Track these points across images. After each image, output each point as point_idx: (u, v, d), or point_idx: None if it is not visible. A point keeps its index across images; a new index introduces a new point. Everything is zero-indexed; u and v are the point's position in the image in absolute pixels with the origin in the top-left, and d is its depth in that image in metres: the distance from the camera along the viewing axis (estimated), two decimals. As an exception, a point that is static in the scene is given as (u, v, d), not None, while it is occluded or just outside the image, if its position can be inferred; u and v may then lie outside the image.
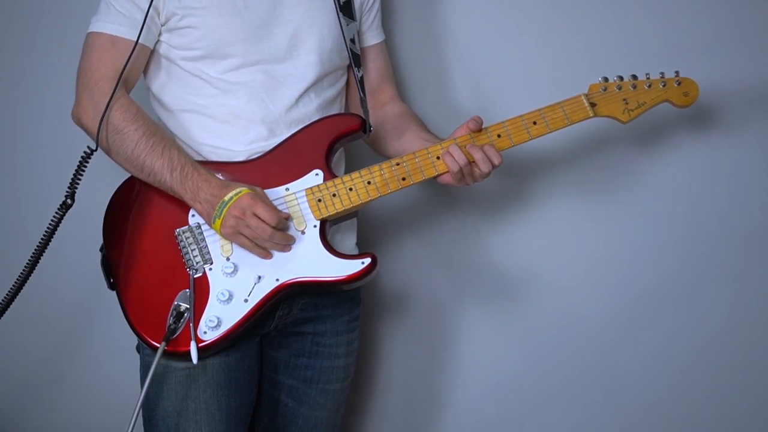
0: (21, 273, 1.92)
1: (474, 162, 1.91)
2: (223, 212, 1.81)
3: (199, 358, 1.85)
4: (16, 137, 2.48)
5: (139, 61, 1.91)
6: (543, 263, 2.35)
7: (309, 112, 1.95)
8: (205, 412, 1.89)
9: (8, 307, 1.93)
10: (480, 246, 2.38)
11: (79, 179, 1.87)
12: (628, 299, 2.34)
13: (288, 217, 1.86)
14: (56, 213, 1.88)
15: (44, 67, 2.44)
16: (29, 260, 1.91)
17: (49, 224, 1.89)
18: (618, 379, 2.37)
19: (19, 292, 1.93)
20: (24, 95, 2.46)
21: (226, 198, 1.81)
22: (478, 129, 1.93)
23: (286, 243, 1.86)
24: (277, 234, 1.83)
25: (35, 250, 1.90)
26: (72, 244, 2.30)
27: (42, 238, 1.89)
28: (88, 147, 1.85)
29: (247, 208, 1.80)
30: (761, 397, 2.32)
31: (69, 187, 1.87)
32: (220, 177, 1.87)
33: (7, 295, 1.92)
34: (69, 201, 1.88)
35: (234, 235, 1.83)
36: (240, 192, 1.81)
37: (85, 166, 1.87)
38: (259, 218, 1.81)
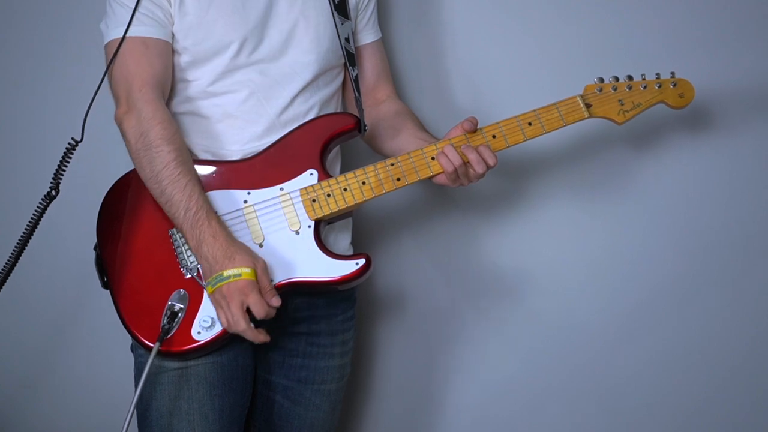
0: (6, 262, 1.91)
1: (469, 163, 1.90)
2: (216, 286, 1.78)
3: (194, 358, 1.86)
4: (16, 137, 2.49)
5: (170, 60, 1.89)
6: (540, 264, 2.35)
7: (304, 110, 1.95)
8: (198, 413, 1.89)
9: None
10: (476, 246, 2.38)
11: (64, 170, 1.87)
12: (626, 301, 2.34)
13: (279, 305, 1.82)
14: (40, 203, 1.88)
15: (44, 67, 2.45)
16: (14, 250, 1.91)
17: (33, 214, 1.88)
18: (616, 382, 2.37)
19: (4, 282, 1.92)
20: (24, 95, 2.47)
21: (225, 274, 1.77)
22: (473, 129, 1.93)
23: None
24: (249, 332, 1.79)
25: (19, 240, 1.90)
26: (65, 242, 2.31)
27: (26, 229, 1.89)
28: (73, 138, 1.85)
29: (238, 295, 1.77)
30: (761, 399, 2.32)
31: (53, 178, 1.87)
32: (224, 229, 1.83)
33: None
34: (53, 192, 1.87)
35: (217, 307, 1.81)
36: (239, 275, 1.77)
37: (70, 157, 1.87)
38: (245, 308, 1.78)
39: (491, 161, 1.90)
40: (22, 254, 1.92)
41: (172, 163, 1.82)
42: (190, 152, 1.93)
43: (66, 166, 1.88)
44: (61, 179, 1.88)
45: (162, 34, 1.86)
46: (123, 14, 1.86)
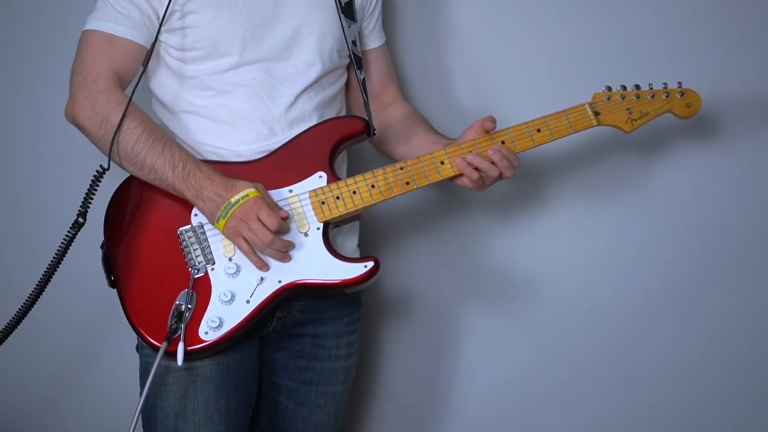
0: (31, 293, 1.87)
1: (484, 169, 1.91)
2: (229, 214, 1.81)
3: (200, 359, 1.86)
4: (16, 138, 2.47)
5: (135, 61, 1.90)
6: (547, 266, 2.37)
7: (308, 110, 1.95)
8: (203, 413, 1.88)
9: (17, 325, 1.90)
10: (483, 248, 2.39)
11: (92, 198, 1.85)
12: (632, 302, 2.36)
13: (286, 217, 1.86)
14: (68, 232, 1.85)
15: (44, 67, 2.43)
16: (40, 279, 1.86)
17: (61, 244, 1.85)
18: (622, 381, 2.39)
19: (29, 311, 1.88)
20: (24, 95, 2.45)
21: (233, 200, 1.81)
22: (493, 128, 1.94)
23: (285, 250, 1.85)
24: (277, 241, 1.83)
25: (46, 269, 1.85)
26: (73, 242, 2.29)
27: (53, 259, 1.85)
28: (101, 166, 1.83)
29: (251, 212, 1.80)
30: (761, 399, 2.35)
31: (81, 206, 1.85)
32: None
33: (17, 313, 1.88)
34: (81, 220, 1.85)
35: (235, 236, 1.83)
36: (247, 195, 1.81)
37: (98, 185, 1.85)
38: (262, 222, 1.81)
39: (515, 163, 1.93)
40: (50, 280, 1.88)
41: (143, 136, 1.83)
42: (197, 153, 1.93)
43: (94, 195, 1.85)
44: (89, 207, 1.85)
45: (131, 34, 1.86)
46: (103, 9, 1.88)
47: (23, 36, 2.44)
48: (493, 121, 1.94)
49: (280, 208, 1.85)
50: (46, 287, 1.87)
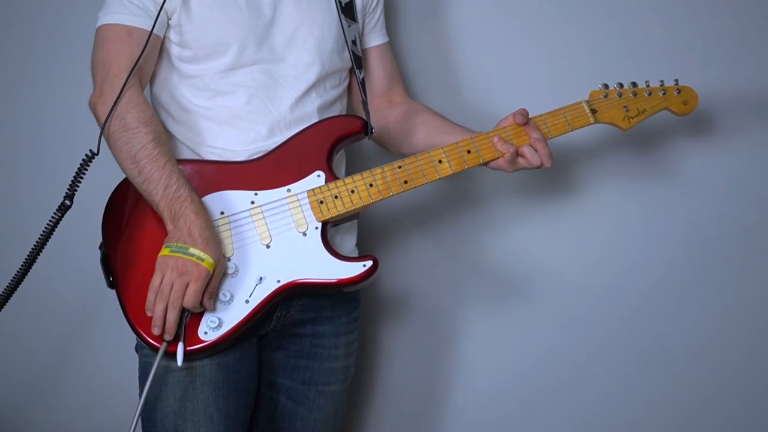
0: (16, 273, 1.89)
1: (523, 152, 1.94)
2: (176, 254, 1.76)
3: (199, 359, 1.86)
4: (16, 137, 2.48)
5: (153, 52, 1.90)
6: (546, 265, 2.37)
7: (309, 112, 1.95)
8: (203, 413, 1.88)
9: (1, 308, 1.91)
10: (482, 247, 2.40)
11: (80, 182, 1.85)
12: (632, 301, 2.37)
13: (210, 308, 1.81)
14: (54, 214, 1.85)
15: (44, 67, 2.45)
16: (25, 260, 1.88)
17: (47, 225, 1.86)
18: (622, 381, 2.40)
19: (14, 292, 1.90)
20: (24, 95, 2.46)
21: (190, 251, 1.76)
22: (525, 122, 1.95)
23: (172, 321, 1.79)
24: (173, 315, 1.77)
25: (32, 250, 1.87)
26: (71, 243, 2.29)
27: (39, 239, 1.87)
28: (90, 150, 1.83)
29: (188, 275, 1.76)
30: (761, 398, 2.36)
31: (69, 189, 1.85)
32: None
33: (1, 295, 1.89)
34: (68, 202, 1.85)
35: (162, 269, 1.78)
36: (202, 260, 1.76)
37: (86, 169, 1.85)
38: (184, 290, 1.76)
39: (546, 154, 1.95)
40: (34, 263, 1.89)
41: (150, 144, 1.82)
42: (195, 153, 1.93)
43: (81, 178, 1.85)
44: (76, 190, 1.85)
45: (148, 25, 1.86)
46: (116, 3, 1.88)
47: (23, 36, 2.45)
48: (523, 114, 1.94)
49: (212, 299, 1.80)
50: (31, 268, 1.87)
